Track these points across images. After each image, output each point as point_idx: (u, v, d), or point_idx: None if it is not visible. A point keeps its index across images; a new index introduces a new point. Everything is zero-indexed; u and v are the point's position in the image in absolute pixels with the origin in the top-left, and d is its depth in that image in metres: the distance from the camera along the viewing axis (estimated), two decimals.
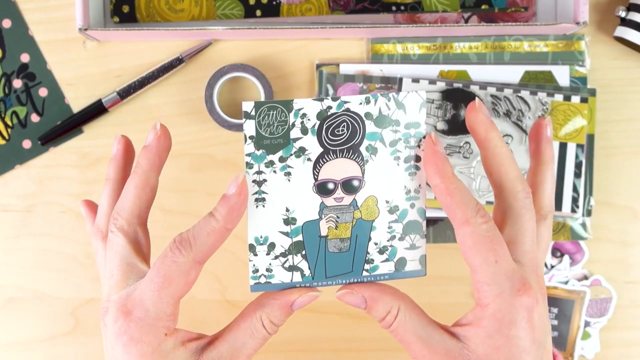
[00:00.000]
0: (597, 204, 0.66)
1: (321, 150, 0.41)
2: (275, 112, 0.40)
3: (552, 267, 0.67)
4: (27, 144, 0.66)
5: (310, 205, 0.42)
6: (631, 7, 0.63)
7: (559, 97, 0.64)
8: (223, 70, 0.65)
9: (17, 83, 0.66)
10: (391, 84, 0.65)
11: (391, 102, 0.40)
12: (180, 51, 0.66)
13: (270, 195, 0.41)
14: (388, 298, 0.43)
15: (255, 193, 0.41)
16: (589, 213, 0.65)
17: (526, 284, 0.40)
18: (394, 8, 0.66)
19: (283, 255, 0.42)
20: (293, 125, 0.40)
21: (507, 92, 0.64)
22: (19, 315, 0.67)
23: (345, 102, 0.40)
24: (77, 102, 0.67)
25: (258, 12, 0.66)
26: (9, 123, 0.66)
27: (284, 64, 0.67)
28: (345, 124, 0.40)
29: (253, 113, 0.40)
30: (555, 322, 0.67)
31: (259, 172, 0.41)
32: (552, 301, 0.67)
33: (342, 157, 0.41)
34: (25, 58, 0.66)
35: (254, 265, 0.42)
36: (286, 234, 0.42)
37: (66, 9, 0.66)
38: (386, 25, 0.64)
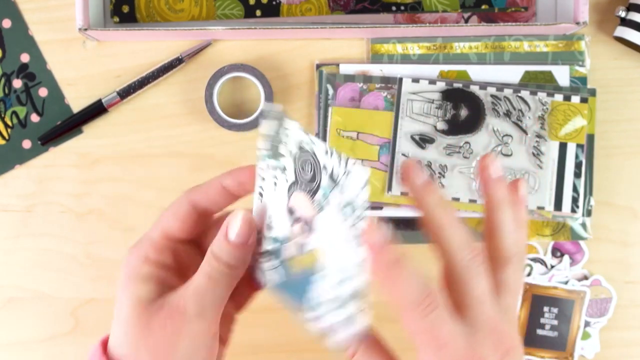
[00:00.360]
0: (597, 204, 0.66)
1: (293, 178, 0.41)
2: (281, 123, 0.41)
3: (552, 267, 0.67)
4: (27, 144, 0.66)
5: (284, 222, 0.42)
6: (631, 7, 0.63)
7: (559, 97, 0.64)
8: (223, 70, 0.65)
9: (17, 83, 0.66)
10: (391, 83, 0.65)
11: (341, 165, 0.39)
12: (180, 51, 0.66)
13: (266, 193, 0.42)
14: None
15: (259, 187, 0.43)
16: (589, 213, 0.65)
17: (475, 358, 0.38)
18: (394, 8, 0.66)
19: (268, 254, 0.43)
20: (283, 141, 0.41)
21: (507, 92, 0.64)
22: (19, 315, 0.67)
23: (314, 144, 0.40)
24: (77, 102, 0.67)
25: (258, 12, 0.66)
26: (9, 123, 0.66)
27: (283, 64, 0.67)
28: (310, 164, 0.40)
29: (269, 116, 0.41)
30: (555, 322, 0.67)
31: (263, 169, 0.42)
32: (552, 301, 0.67)
33: (306, 192, 0.41)
34: (25, 58, 0.66)
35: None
36: (268, 238, 0.43)
37: (66, 9, 0.66)
38: (386, 25, 0.64)
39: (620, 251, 0.67)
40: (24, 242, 0.67)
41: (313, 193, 0.40)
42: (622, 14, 0.63)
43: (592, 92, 0.65)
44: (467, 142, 0.64)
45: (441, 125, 0.64)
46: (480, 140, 0.64)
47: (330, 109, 0.65)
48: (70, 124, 0.66)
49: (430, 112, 0.64)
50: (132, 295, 0.41)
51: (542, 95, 0.64)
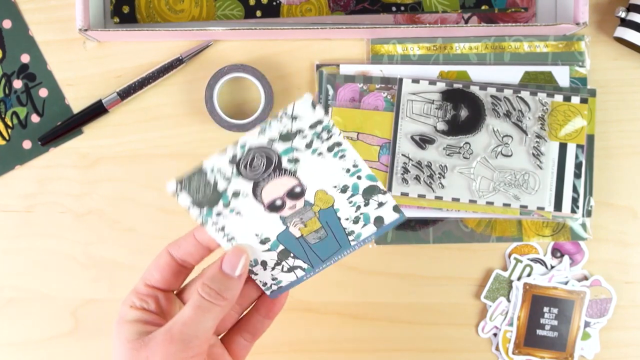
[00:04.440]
0: (597, 204, 0.66)
1: (251, 183, 0.45)
2: (196, 179, 0.45)
3: (552, 267, 0.67)
4: (27, 144, 0.67)
5: (273, 222, 0.46)
6: (631, 8, 0.63)
7: (558, 98, 0.64)
8: (223, 70, 0.65)
9: (18, 83, 0.66)
10: (391, 84, 0.65)
11: (284, 120, 0.44)
12: (181, 52, 0.66)
13: (235, 233, 0.46)
14: None
15: (224, 237, 0.46)
16: (588, 213, 0.65)
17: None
18: (394, 8, 0.66)
19: (277, 264, 0.47)
20: (215, 181, 0.45)
21: (507, 92, 0.64)
22: (19, 315, 0.67)
23: (245, 144, 0.44)
24: (77, 103, 0.67)
25: (258, 13, 0.66)
26: (9, 123, 0.66)
27: (284, 64, 0.67)
28: (257, 156, 0.45)
29: (179, 189, 0.45)
30: (555, 323, 0.67)
31: (215, 223, 0.46)
32: (552, 301, 0.67)
33: (272, 179, 0.45)
34: (25, 58, 0.66)
35: (260, 281, 0.48)
36: (269, 250, 0.47)
37: (66, 9, 0.66)
38: (386, 25, 0.64)
39: (619, 251, 0.67)
40: (24, 242, 0.67)
41: (278, 169, 0.45)
42: (622, 14, 0.63)
43: (592, 93, 0.65)
44: (467, 143, 0.64)
45: (441, 126, 0.64)
46: (480, 141, 0.64)
47: (330, 109, 0.65)
48: (71, 125, 0.66)
49: (430, 112, 0.64)
50: (121, 337, 0.45)
51: (542, 95, 0.64)
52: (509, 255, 0.67)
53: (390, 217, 0.47)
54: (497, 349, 0.67)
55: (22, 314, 0.67)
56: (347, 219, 0.47)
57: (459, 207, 0.64)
